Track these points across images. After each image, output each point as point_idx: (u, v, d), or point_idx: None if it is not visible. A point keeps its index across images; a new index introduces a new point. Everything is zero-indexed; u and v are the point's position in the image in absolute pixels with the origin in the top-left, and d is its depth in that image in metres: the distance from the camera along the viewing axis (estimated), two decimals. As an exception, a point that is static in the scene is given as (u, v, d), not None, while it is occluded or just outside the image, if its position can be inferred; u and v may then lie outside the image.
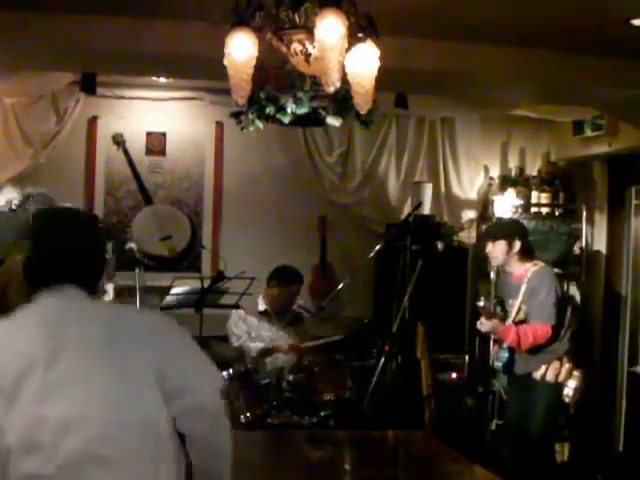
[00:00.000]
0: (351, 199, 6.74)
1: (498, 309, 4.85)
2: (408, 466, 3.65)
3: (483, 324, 4.66)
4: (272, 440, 4.15)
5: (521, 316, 4.65)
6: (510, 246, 4.68)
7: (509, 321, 4.69)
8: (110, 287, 4.24)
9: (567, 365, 4.59)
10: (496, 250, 4.72)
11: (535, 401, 4.63)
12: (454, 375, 6.10)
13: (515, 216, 6.54)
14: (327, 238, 6.70)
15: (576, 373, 4.59)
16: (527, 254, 4.74)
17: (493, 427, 6.21)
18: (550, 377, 4.57)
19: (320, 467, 3.50)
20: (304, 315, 5.68)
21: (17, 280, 2.34)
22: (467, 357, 6.20)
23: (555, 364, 4.57)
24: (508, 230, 4.81)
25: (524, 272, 4.68)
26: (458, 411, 5.97)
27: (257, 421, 4.67)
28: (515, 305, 4.68)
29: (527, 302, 4.62)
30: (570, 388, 4.56)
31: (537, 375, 4.59)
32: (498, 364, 4.71)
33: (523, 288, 4.64)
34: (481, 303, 4.67)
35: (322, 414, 4.74)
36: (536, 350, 4.56)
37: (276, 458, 3.76)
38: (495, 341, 4.94)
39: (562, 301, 4.69)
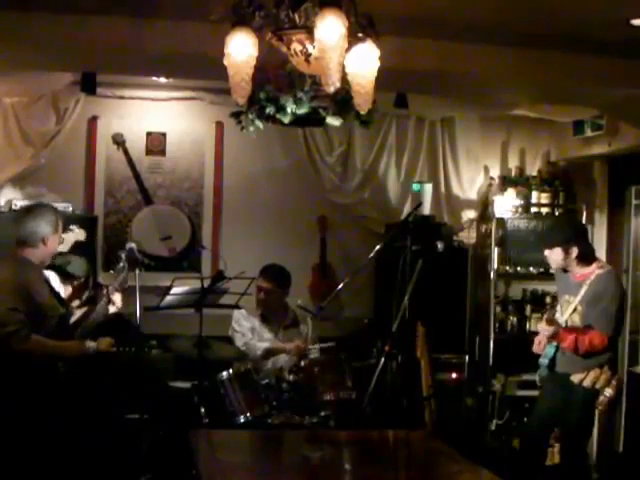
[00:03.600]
0: (351, 199, 6.74)
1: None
2: (408, 466, 3.64)
3: (545, 329, 4.54)
4: (272, 440, 4.14)
5: (575, 317, 4.58)
6: (567, 253, 4.58)
7: (562, 318, 4.63)
8: (118, 297, 4.34)
9: (607, 373, 4.51)
10: (553, 256, 4.64)
11: (570, 403, 4.59)
12: (454, 375, 6.10)
13: (515, 216, 6.55)
14: (327, 238, 6.70)
15: (614, 382, 4.52)
16: (586, 258, 4.63)
17: (493, 427, 6.22)
18: (587, 383, 4.50)
19: (320, 467, 3.50)
20: (299, 318, 5.64)
21: None
22: (467, 357, 6.21)
23: (595, 371, 4.50)
24: (565, 236, 4.66)
25: (588, 273, 4.59)
26: (458, 411, 5.98)
27: (257, 421, 4.67)
28: (572, 303, 4.60)
29: (587, 305, 4.53)
30: (605, 396, 4.49)
31: (575, 379, 4.54)
32: (544, 360, 4.67)
33: (584, 289, 4.55)
34: (545, 316, 4.65)
35: (322, 414, 4.74)
36: (586, 355, 4.49)
37: (276, 458, 3.76)
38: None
39: (622, 311, 4.63)
